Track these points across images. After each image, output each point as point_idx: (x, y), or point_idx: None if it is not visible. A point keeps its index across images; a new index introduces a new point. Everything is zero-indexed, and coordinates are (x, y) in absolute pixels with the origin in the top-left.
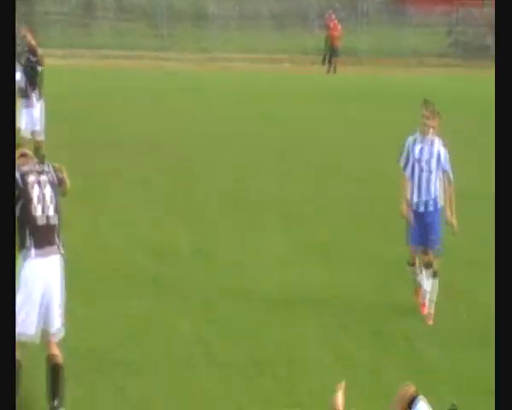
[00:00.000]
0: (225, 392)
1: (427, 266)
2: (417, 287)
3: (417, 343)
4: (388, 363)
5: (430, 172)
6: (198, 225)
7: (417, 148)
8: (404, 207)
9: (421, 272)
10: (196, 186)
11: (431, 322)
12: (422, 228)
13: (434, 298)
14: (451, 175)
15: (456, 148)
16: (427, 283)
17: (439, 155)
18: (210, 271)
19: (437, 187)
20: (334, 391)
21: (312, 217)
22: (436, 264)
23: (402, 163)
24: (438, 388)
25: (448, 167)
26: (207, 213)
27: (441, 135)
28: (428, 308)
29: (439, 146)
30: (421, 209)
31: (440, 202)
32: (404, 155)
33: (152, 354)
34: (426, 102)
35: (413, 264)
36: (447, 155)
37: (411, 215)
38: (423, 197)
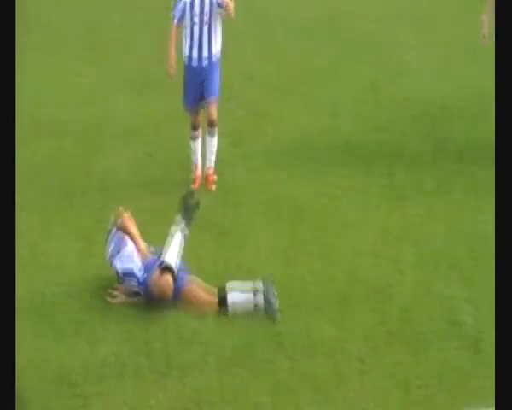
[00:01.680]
0: (39, 222)
1: (211, 124)
2: (196, 163)
3: (225, 167)
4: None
5: (206, 24)
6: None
7: (194, 1)
8: (170, 64)
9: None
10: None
11: (213, 187)
12: (198, 84)
13: (214, 151)
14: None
15: None
16: (211, 141)
17: (212, 4)
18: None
19: (213, 40)
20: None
21: (119, 47)
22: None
23: (176, 16)
24: (244, 207)
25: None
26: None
27: None
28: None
29: None
30: (195, 64)
31: (217, 55)
32: (180, 7)
33: None
34: None
35: (197, 127)
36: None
37: (186, 72)
38: (197, 52)
